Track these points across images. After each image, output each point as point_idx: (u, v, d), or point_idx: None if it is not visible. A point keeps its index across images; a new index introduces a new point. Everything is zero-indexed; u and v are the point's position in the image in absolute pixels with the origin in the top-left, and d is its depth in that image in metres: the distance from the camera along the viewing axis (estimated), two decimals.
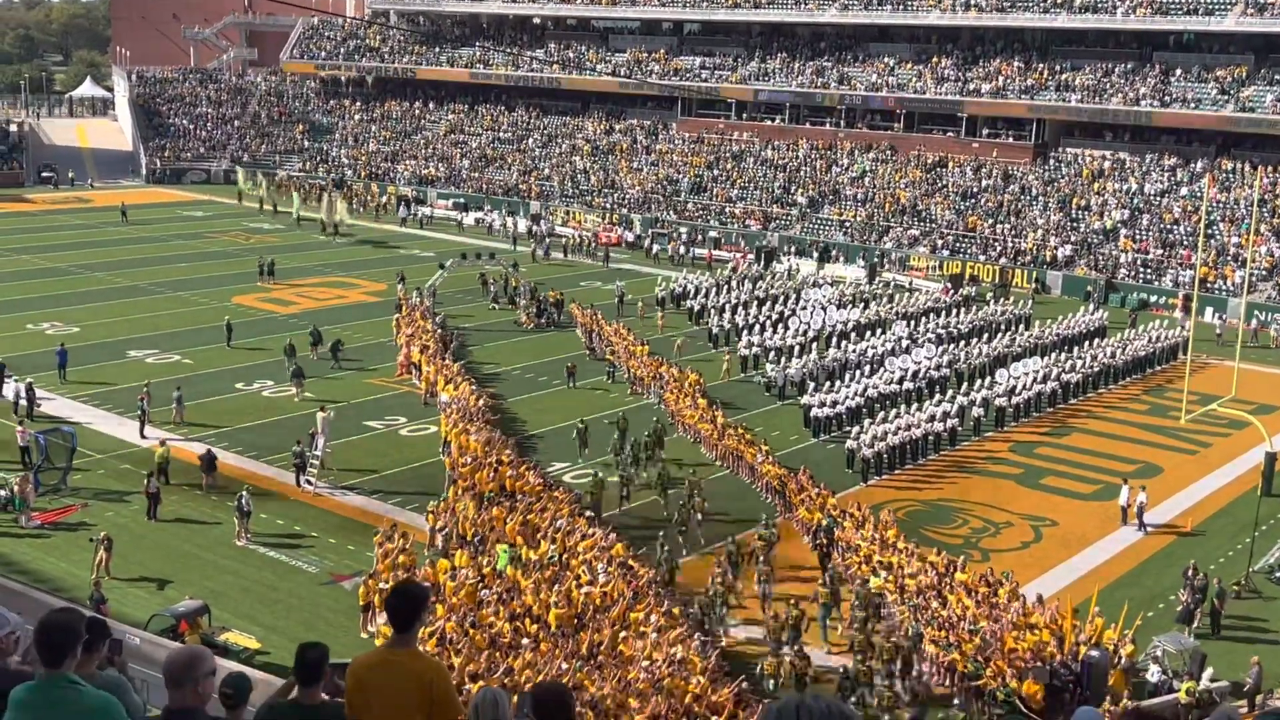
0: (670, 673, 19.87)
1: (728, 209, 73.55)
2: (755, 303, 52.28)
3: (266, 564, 27.49)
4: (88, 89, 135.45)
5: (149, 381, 38.02)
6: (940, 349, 44.73)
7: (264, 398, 39.76)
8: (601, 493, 30.55)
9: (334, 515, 30.49)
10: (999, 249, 63.94)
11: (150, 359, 43.89)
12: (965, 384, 41.49)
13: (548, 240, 69.26)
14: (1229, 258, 58.58)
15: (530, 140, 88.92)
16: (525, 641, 21.00)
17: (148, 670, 14.11)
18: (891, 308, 52.13)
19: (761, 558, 26.70)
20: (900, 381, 41.16)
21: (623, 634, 21.71)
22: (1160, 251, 60.75)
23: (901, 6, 77.77)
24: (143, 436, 34.91)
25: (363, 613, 24.20)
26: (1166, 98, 66.80)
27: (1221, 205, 62.16)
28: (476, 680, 18.32)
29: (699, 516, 29.40)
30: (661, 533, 28.12)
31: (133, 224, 72.75)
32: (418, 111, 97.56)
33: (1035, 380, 41.38)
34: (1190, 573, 26.12)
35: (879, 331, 47.97)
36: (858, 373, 41.99)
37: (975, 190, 69.77)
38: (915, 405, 38.64)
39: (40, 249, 64.60)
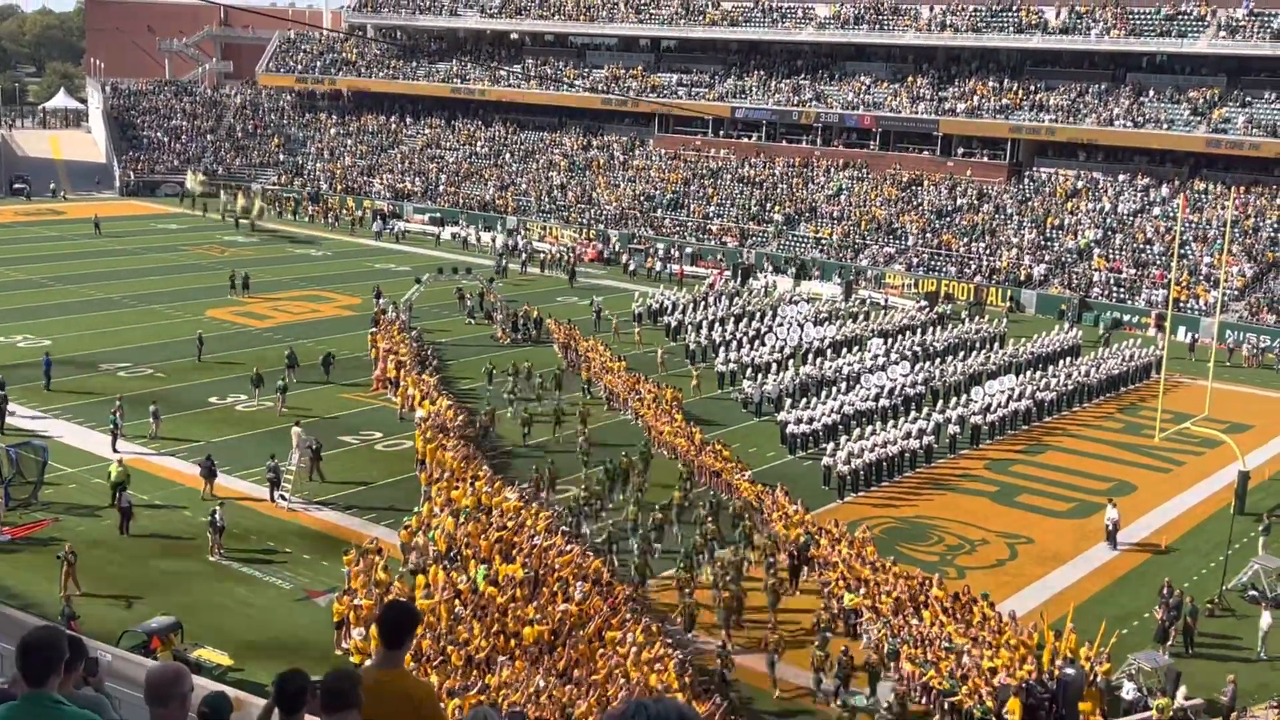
0: (650, 691, 19.78)
1: (705, 225, 73.67)
2: (732, 319, 52.36)
3: (240, 579, 27.27)
4: (61, 100, 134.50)
5: (121, 395, 37.74)
6: (916, 366, 44.86)
7: (237, 412, 39.50)
8: (493, 420, 37.47)
9: (308, 530, 30.30)
10: (974, 267, 64.26)
11: (123, 372, 43.56)
12: (941, 401, 41.59)
13: (524, 255, 69.29)
14: (1201, 277, 59.03)
15: (507, 155, 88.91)
16: (502, 659, 20.88)
17: (118, 687, 13.93)
18: (867, 325, 52.30)
19: (640, 470, 33.04)
20: (876, 398, 41.25)
21: (601, 651, 21.62)
22: (1134, 271, 61.17)
23: (878, 26, 78.24)
24: (115, 450, 34.60)
25: (336, 629, 24.01)
26: (1140, 118, 67.39)
27: (1194, 225, 62.67)
28: (454, 697, 18.21)
29: (583, 440, 35.63)
30: (549, 455, 35.20)
31: (106, 236, 72.32)
32: (394, 126, 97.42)
33: (1010, 398, 41.55)
34: (1166, 591, 26.23)
35: (855, 348, 48.14)
36: (834, 389, 42.07)
37: (950, 209, 70.14)
38: (891, 422, 38.72)
39: (12, 261, 64.11)
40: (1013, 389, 42.14)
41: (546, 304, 55.94)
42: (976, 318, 54.76)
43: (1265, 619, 25.69)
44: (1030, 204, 68.94)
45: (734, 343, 48.24)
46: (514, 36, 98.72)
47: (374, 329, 47.73)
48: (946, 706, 22.00)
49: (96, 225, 73.58)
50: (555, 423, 38.06)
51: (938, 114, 73.62)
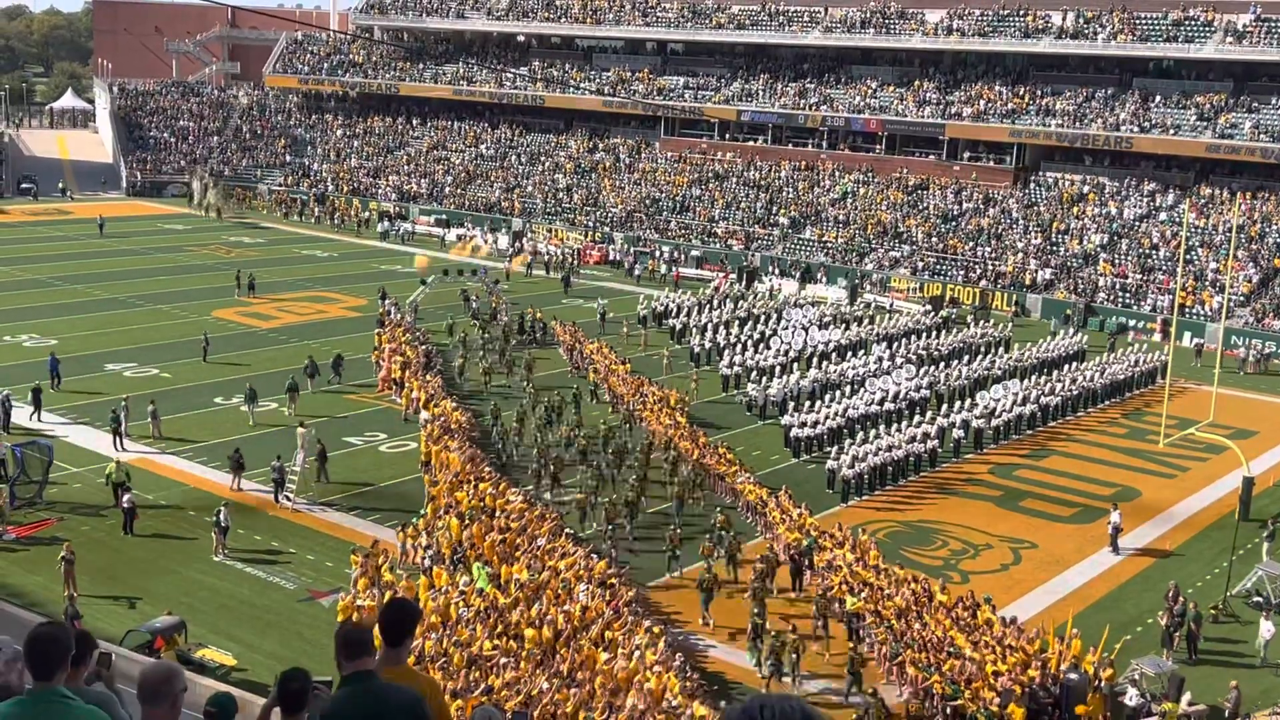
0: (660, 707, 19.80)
1: (710, 228, 73.65)
2: (737, 322, 52.35)
3: (244, 580, 27.31)
4: (69, 100, 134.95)
5: (126, 395, 37.80)
6: (920, 370, 44.83)
7: (243, 412, 39.41)
8: (465, 365, 44.60)
9: (312, 531, 30.33)
10: (979, 272, 64.21)
11: (129, 372, 43.63)
12: (945, 405, 41.55)
13: (530, 258, 69.37)
14: (1207, 283, 58.97)
15: (513, 157, 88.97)
16: (505, 660, 20.88)
17: (123, 687, 13.96)
18: (872, 329, 52.27)
19: (573, 409, 38.76)
20: (880, 402, 41.21)
21: (605, 655, 21.60)
22: (1139, 276, 61.10)
23: (884, 30, 78.24)
24: (121, 449, 34.67)
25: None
26: (1146, 123, 67.33)
27: (1200, 231, 62.61)
28: (457, 698, 18.22)
29: (528, 385, 41.92)
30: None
31: (112, 237, 72.42)
32: (400, 127, 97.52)
33: (1015, 403, 41.51)
34: (1171, 596, 26.19)
35: (860, 352, 48.10)
36: (838, 393, 42.05)
37: (956, 213, 70.10)
38: (895, 426, 38.68)
39: (19, 260, 64.25)
40: (1017, 393, 42.12)
41: (552, 306, 55.97)
42: (982, 322, 54.72)
43: (1265, 627, 25.61)
44: (1036, 209, 68.88)
45: (738, 346, 48.23)
46: (520, 39, 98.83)
47: (380, 330, 47.76)
48: (949, 711, 21.98)
49: (100, 226, 73.59)
50: (507, 371, 44.77)
51: (944, 118, 73.58)
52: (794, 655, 23.15)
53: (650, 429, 37.56)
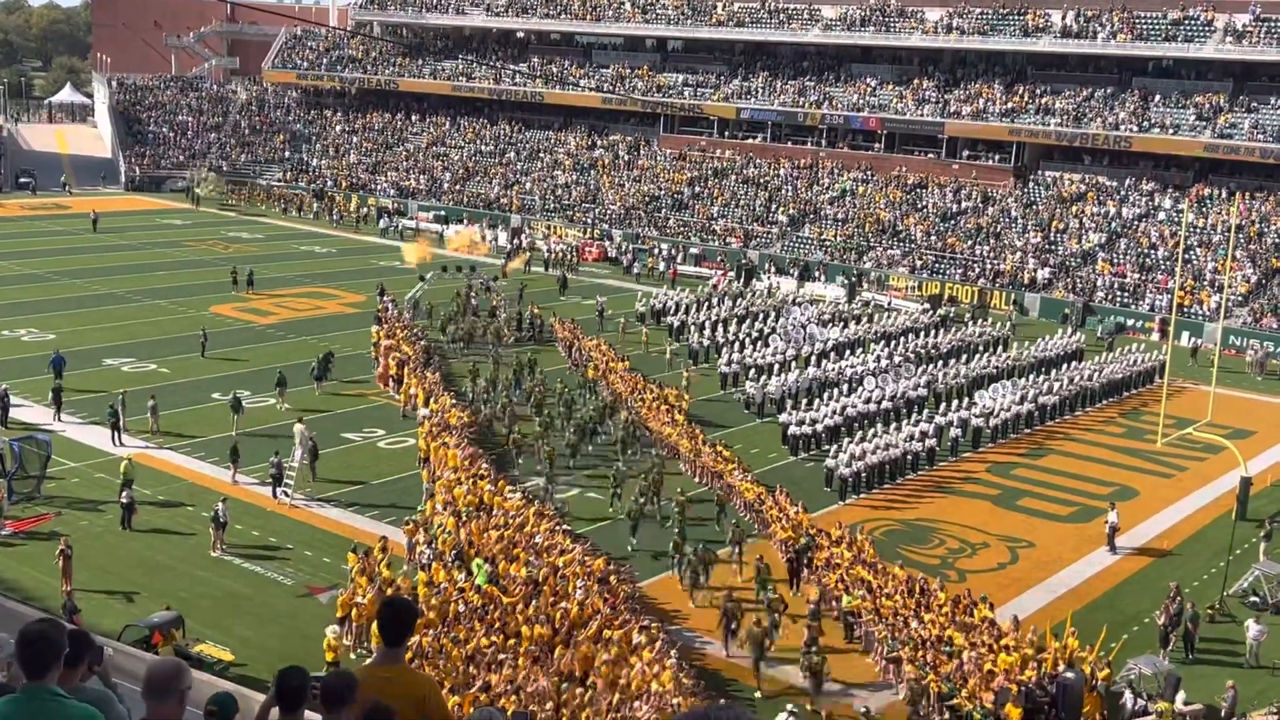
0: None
1: (709, 226, 73.63)
2: (735, 320, 52.34)
3: (242, 575, 27.30)
4: (67, 95, 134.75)
5: (124, 390, 37.77)
6: (919, 369, 44.83)
7: (241, 408, 39.37)
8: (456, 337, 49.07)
9: (310, 527, 30.32)
10: (978, 271, 64.22)
11: (126, 367, 43.61)
12: (943, 404, 41.55)
13: (529, 254, 69.37)
14: (1205, 283, 58.99)
15: (512, 154, 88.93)
16: (503, 657, 20.88)
17: (120, 681, 13.94)
18: (870, 327, 52.28)
19: (529, 372, 42.53)
20: (878, 401, 41.21)
21: (604, 655, 21.57)
22: (1138, 275, 61.13)
23: (884, 28, 78.24)
24: (119, 445, 34.65)
25: (339, 625, 24.01)
26: (1145, 123, 67.35)
27: (1199, 230, 62.64)
28: (455, 694, 18.23)
29: (497, 351, 46.63)
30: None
31: (111, 232, 72.29)
32: (399, 123, 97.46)
33: (1013, 402, 41.51)
34: (1171, 596, 26.20)
35: (858, 350, 48.11)
36: (836, 391, 42.04)
37: (955, 211, 70.11)
38: (893, 425, 38.69)
39: (17, 255, 64.19)
40: (1015, 392, 42.09)
41: (551, 303, 55.94)
42: (979, 320, 54.72)
43: (1255, 629, 25.62)
44: (1035, 207, 68.90)
45: (736, 343, 48.22)
46: (520, 35, 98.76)
47: (377, 326, 47.72)
48: (945, 710, 21.98)
49: (94, 222, 73.26)
50: (470, 341, 48.70)
51: (943, 117, 73.59)
52: (708, 570, 26.80)
53: (611, 387, 41.40)
